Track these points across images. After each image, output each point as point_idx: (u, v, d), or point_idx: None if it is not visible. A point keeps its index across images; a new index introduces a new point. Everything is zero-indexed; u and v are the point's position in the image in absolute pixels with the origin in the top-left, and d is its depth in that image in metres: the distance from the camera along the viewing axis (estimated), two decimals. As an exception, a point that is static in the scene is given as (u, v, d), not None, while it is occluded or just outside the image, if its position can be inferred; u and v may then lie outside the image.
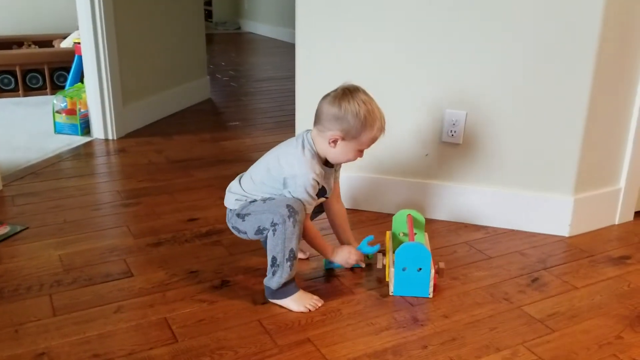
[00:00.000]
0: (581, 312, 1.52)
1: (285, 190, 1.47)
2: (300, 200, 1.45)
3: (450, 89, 1.92)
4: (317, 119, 1.50)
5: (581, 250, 1.85)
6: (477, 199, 1.99)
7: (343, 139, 1.46)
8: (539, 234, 1.94)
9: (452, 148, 1.98)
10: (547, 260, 1.78)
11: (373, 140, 1.50)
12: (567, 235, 1.93)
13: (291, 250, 1.45)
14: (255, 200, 1.52)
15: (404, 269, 1.53)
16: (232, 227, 1.57)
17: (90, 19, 2.66)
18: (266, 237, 1.48)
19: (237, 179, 1.60)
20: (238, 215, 1.53)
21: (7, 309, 1.46)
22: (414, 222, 1.69)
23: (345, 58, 1.98)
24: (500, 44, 1.83)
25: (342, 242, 1.70)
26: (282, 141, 1.59)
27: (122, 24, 2.81)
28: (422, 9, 1.86)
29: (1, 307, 1.47)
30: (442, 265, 1.59)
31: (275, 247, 1.45)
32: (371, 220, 2.01)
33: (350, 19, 1.94)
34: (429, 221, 1.99)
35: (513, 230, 1.97)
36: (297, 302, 1.49)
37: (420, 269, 1.52)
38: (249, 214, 1.51)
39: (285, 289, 1.49)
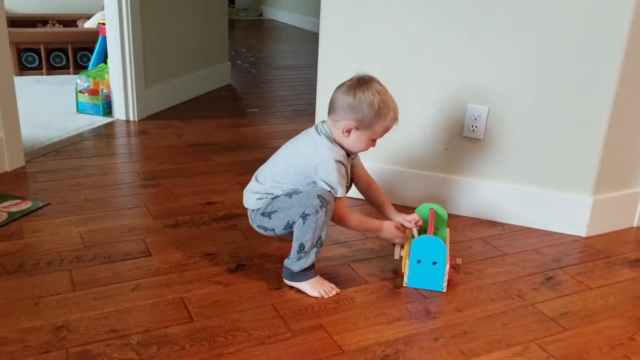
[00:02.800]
0: (594, 312, 1.52)
1: (316, 177, 1.47)
2: (332, 187, 1.46)
3: (473, 84, 1.91)
4: (332, 109, 1.51)
5: (597, 251, 1.84)
6: (494, 195, 1.99)
7: (357, 128, 1.47)
8: (556, 233, 1.94)
9: (472, 143, 1.98)
10: (563, 260, 1.78)
11: (386, 130, 1.51)
12: (584, 235, 1.93)
13: (319, 239, 1.48)
14: (277, 196, 1.51)
15: (418, 262, 1.53)
16: (258, 227, 1.57)
17: (116, 1, 2.68)
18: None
19: (253, 178, 1.60)
20: (263, 214, 1.53)
21: (28, 281, 1.49)
22: (435, 216, 1.70)
23: (368, 49, 1.98)
24: (526, 40, 1.82)
25: (387, 216, 1.70)
26: (301, 129, 1.60)
27: (147, 7, 2.82)
28: (448, 1, 1.85)
29: (22, 279, 1.50)
30: (459, 261, 1.59)
31: (304, 235, 1.46)
32: (387, 212, 2.02)
33: (375, 11, 1.94)
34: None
35: (529, 228, 1.96)
36: (313, 287, 1.51)
37: (435, 262, 1.53)
38: (276, 211, 1.50)
39: (305, 273, 1.51)
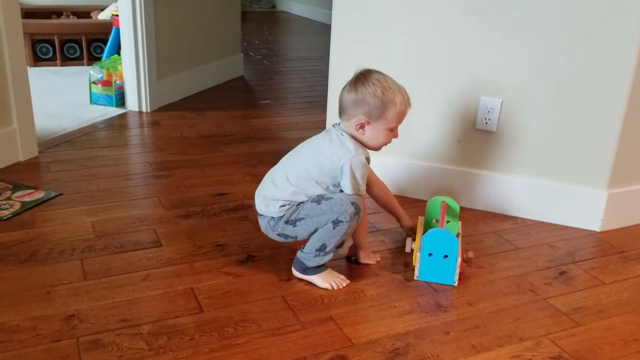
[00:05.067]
0: (608, 307, 1.50)
1: (344, 176, 1.43)
2: (358, 185, 1.44)
3: (486, 76, 1.89)
4: (341, 110, 1.49)
5: (612, 246, 1.82)
6: (508, 189, 1.97)
7: (369, 122, 1.45)
8: (570, 227, 1.92)
9: (485, 136, 1.95)
10: (576, 254, 1.76)
11: (401, 115, 1.46)
12: (598, 230, 1.90)
13: (342, 242, 1.49)
14: (302, 202, 1.46)
15: (429, 255, 1.52)
16: (278, 235, 1.51)
17: (129, -9, 2.69)
18: None
19: (269, 180, 1.53)
20: (287, 221, 1.47)
21: (40, 270, 1.50)
22: (447, 209, 1.68)
23: (379, 41, 1.96)
24: (541, 32, 1.79)
25: (397, 216, 1.72)
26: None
27: (160, -3, 2.83)
28: (463, -8, 1.83)
29: (34, 268, 1.51)
30: (470, 255, 1.58)
31: (330, 238, 1.45)
32: (402, 205, 2.00)
33: (386, 4, 1.92)
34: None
35: (543, 222, 1.94)
36: (324, 279, 1.50)
37: (446, 256, 1.52)
38: (303, 218, 1.45)
39: (318, 267, 1.51)
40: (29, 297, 1.39)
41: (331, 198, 1.44)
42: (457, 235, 1.64)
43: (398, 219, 1.74)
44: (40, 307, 1.35)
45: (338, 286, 1.50)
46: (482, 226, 1.90)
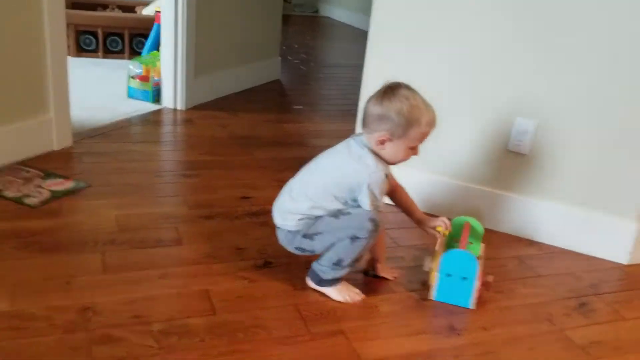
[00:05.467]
0: (627, 344, 1.46)
1: (362, 192, 1.41)
2: (377, 201, 1.42)
3: (522, 97, 1.86)
4: (364, 122, 1.46)
5: (639, 281, 1.77)
6: (535, 213, 1.93)
7: (391, 139, 1.41)
8: (596, 257, 1.87)
9: (517, 158, 1.92)
10: (600, 286, 1.71)
11: (423, 136, 1.43)
12: (625, 263, 1.85)
13: (360, 257, 1.49)
14: (320, 216, 1.45)
15: (448, 275, 1.50)
16: (296, 249, 1.50)
17: (172, -10, 2.73)
18: None
19: (286, 193, 1.51)
20: (305, 235, 1.46)
21: (62, 260, 1.54)
22: (471, 231, 1.66)
23: (418, 56, 1.95)
24: (578, 55, 1.75)
25: (416, 218, 1.66)
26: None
27: (203, -3, 2.87)
28: (498, 10, 1.81)
29: (57, 257, 1.55)
30: (490, 278, 1.56)
31: (347, 253, 1.44)
32: (422, 221, 1.99)
33: (425, 17, 1.91)
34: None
35: (569, 250, 1.90)
36: (339, 292, 1.50)
37: (465, 278, 1.49)
38: (320, 232, 1.44)
39: (333, 280, 1.50)
40: (48, 286, 1.42)
41: (350, 213, 1.43)
42: (479, 258, 1.61)
43: (411, 215, 1.67)
44: (58, 297, 1.38)
45: (352, 300, 1.50)
46: (506, 250, 1.87)
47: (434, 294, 1.54)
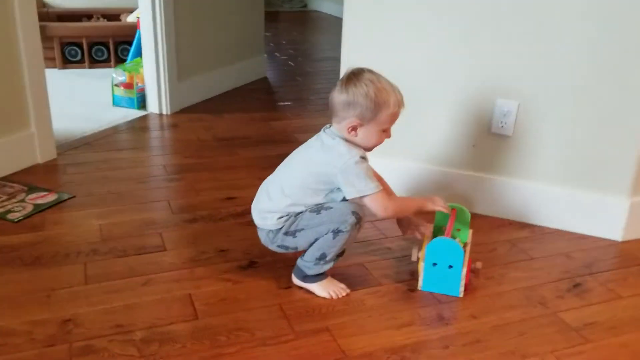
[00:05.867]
0: (622, 323, 1.42)
1: (342, 182, 1.38)
2: (363, 187, 1.38)
3: (502, 78, 1.83)
4: (332, 111, 1.43)
5: (633, 257, 1.73)
6: (524, 195, 1.90)
7: (361, 124, 1.39)
8: (589, 236, 1.83)
9: (501, 140, 1.89)
10: (594, 265, 1.68)
11: (393, 117, 1.41)
12: (619, 239, 1.82)
13: (343, 251, 1.46)
14: (301, 213, 1.43)
15: (434, 265, 1.48)
16: (278, 247, 1.47)
17: (149, -6, 2.71)
18: None
19: (263, 193, 1.50)
20: (287, 233, 1.43)
21: (43, 274, 1.52)
22: (458, 217, 1.62)
23: (391, 41, 1.91)
24: (557, 32, 1.72)
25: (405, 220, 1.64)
26: (330, 122, 1.50)
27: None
28: (476, -8, 1.77)
29: (38, 271, 1.53)
30: (478, 265, 1.53)
31: (330, 247, 1.42)
32: (411, 210, 1.96)
33: (398, 6, 1.87)
34: (472, 215, 1.91)
35: (561, 231, 1.86)
36: (324, 288, 1.47)
37: (451, 266, 1.46)
38: (302, 229, 1.42)
39: (318, 275, 1.48)
40: (29, 301, 1.40)
41: (331, 208, 1.41)
42: (466, 245, 1.58)
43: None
44: (38, 311, 1.36)
45: (337, 295, 1.47)
46: (496, 234, 1.84)
47: (421, 284, 1.51)
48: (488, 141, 1.90)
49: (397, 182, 2.00)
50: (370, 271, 1.59)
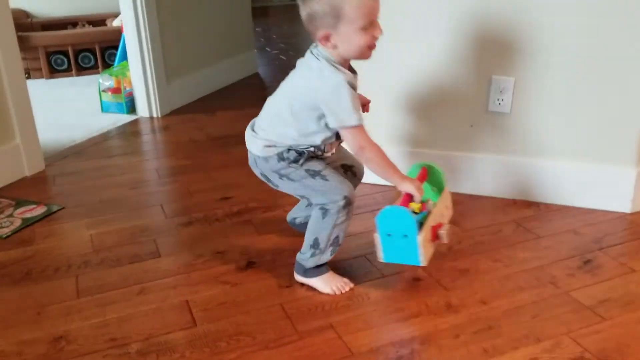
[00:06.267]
0: (638, 298, 1.36)
1: (325, 108, 1.28)
2: (346, 115, 1.27)
3: (496, 53, 1.76)
4: (309, 32, 1.31)
5: (644, 228, 1.67)
6: (527, 173, 1.83)
7: (330, 33, 1.25)
8: (597, 210, 1.77)
9: (499, 118, 1.82)
10: (604, 240, 1.62)
11: (368, 8, 1.24)
12: (628, 211, 1.75)
13: (337, 238, 1.39)
14: (296, 161, 1.34)
15: (388, 235, 1.31)
16: (261, 174, 1.42)
17: (129, -4, 2.64)
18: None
19: (249, 129, 1.44)
20: (275, 171, 1.38)
21: (33, 290, 1.46)
22: (430, 177, 1.46)
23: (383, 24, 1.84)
24: (555, 2, 1.65)
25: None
26: None
27: (163, -1, 2.78)
28: (463, -34, 1.70)
29: (28, 288, 1.47)
30: (444, 230, 1.33)
31: (321, 230, 1.37)
32: (411, 197, 1.90)
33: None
34: (475, 197, 1.87)
35: (567, 207, 1.80)
36: (326, 283, 1.42)
37: (405, 235, 1.29)
38: (291, 179, 1.36)
39: (318, 269, 1.42)
40: (19, 320, 1.34)
41: (327, 180, 1.34)
42: (444, 206, 1.43)
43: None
44: (29, 329, 1.31)
45: (341, 290, 1.41)
46: (501, 215, 1.78)
47: (381, 256, 1.35)
48: (486, 120, 1.84)
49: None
50: (372, 263, 1.53)
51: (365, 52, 1.29)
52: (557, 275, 1.46)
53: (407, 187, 1.33)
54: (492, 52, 1.76)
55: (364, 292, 1.41)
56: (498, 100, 1.80)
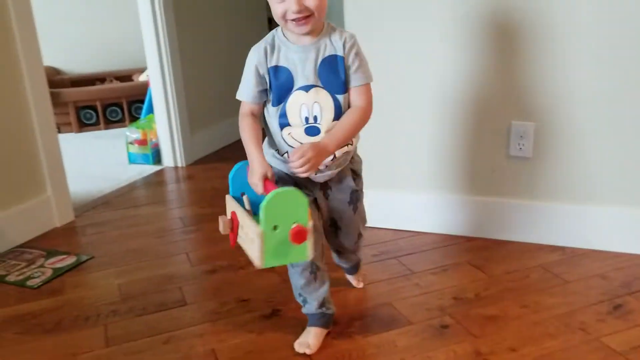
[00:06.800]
0: (672, 344, 1.33)
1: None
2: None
3: (516, 99, 1.78)
4: None
5: (674, 272, 1.65)
6: (552, 217, 1.83)
7: None
8: (624, 254, 1.75)
9: (521, 162, 1.84)
10: (633, 284, 1.59)
11: None
12: (657, 255, 1.73)
13: (299, 294, 1.42)
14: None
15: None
16: None
17: (156, 52, 2.75)
18: None
19: None
20: None
21: (63, 339, 1.48)
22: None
23: (395, 64, 1.89)
24: (574, 42, 1.68)
25: None
26: None
27: (188, 55, 2.88)
28: (485, 5, 1.75)
29: (59, 337, 1.49)
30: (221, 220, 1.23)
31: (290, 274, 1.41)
32: (437, 243, 1.90)
33: (401, 18, 1.84)
34: (500, 242, 1.86)
35: (594, 251, 1.79)
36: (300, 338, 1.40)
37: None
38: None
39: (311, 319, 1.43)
40: (49, 369, 1.36)
41: None
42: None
43: None
44: (59, 379, 1.32)
45: (299, 350, 1.37)
46: (527, 260, 1.77)
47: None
48: (507, 165, 1.85)
49: (420, 216, 1.96)
50: (399, 310, 1.53)
51: (282, 23, 1.22)
52: (586, 321, 1.44)
53: (253, 173, 1.27)
54: (512, 97, 1.78)
55: (391, 340, 1.40)
56: (519, 145, 1.81)
